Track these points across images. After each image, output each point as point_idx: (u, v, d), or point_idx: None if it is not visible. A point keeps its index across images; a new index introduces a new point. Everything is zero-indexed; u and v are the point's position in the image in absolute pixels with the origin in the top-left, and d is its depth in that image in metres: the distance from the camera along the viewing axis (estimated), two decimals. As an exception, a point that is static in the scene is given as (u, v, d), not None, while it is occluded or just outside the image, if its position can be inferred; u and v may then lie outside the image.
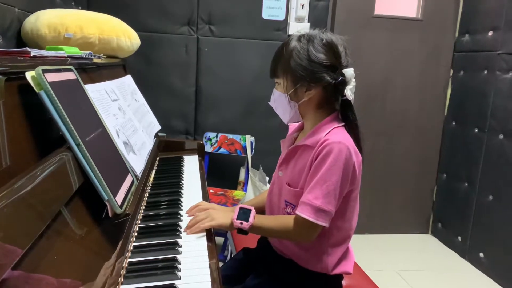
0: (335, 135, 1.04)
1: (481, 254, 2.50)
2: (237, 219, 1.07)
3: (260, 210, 1.31)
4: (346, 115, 1.10)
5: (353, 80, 1.07)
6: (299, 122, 1.23)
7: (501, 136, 2.36)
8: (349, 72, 1.06)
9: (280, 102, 1.14)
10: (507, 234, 2.30)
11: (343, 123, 1.09)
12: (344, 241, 1.14)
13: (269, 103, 1.20)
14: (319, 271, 1.12)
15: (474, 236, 2.57)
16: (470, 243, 2.60)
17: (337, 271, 1.13)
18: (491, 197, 2.42)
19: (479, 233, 2.54)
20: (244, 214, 1.08)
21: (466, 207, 2.63)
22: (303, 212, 1.03)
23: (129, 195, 1.03)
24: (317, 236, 1.08)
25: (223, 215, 1.10)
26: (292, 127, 1.25)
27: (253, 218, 1.07)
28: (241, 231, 1.08)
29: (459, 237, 2.70)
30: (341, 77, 1.06)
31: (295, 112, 1.13)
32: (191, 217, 1.11)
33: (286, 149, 1.18)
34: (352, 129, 1.08)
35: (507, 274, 2.30)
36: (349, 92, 1.07)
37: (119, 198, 0.93)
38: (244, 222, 1.06)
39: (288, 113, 1.14)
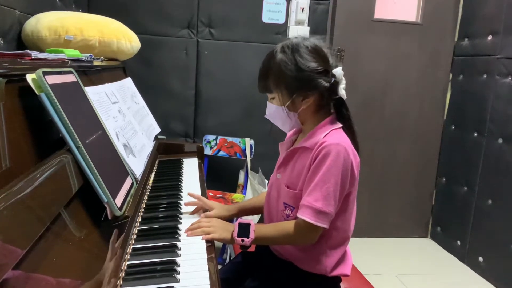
0: (333, 137, 1.05)
1: (480, 258, 2.49)
2: (237, 236, 1.07)
3: (258, 211, 1.32)
4: (341, 113, 1.11)
5: (343, 78, 1.09)
6: None
7: (500, 140, 2.37)
8: (338, 71, 1.07)
9: (278, 115, 1.14)
10: (506, 238, 2.30)
11: (341, 125, 1.10)
12: (343, 243, 1.14)
13: (265, 116, 1.19)
14: (318, 273, 1.12)
15: (473, 240, 2.57)
16: (469, 247, 2.60)
17: (335, 273, 1.13)
18: (490, 201, 2.42)
19: (478, 237, 2.54)
20: (243, 230, 1.08)
21: (465, 211, 2.63)
22: (304, 215, 1.03)
23: (128, 198, 1.03)
24: (317, 238, 1.08)
25: (225, 228, 1.10)
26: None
27: (253, 232, 1.07)
28: (243, 246, 1.08)
29: (458, 241, 2.69)
30: (333, 79, 1.07)
31: (295, 121, 1.14)
32: (191, 220, 1.12)
33: (285, 152, 1.18)
34: (349, 128, 1.09)
35: (506, 278, 2.30)
36: (343, 92, 1.08)
37: (119, 200, 0.93)
38: (245, 239, 1.06)
39: (288, 124, 1.15)
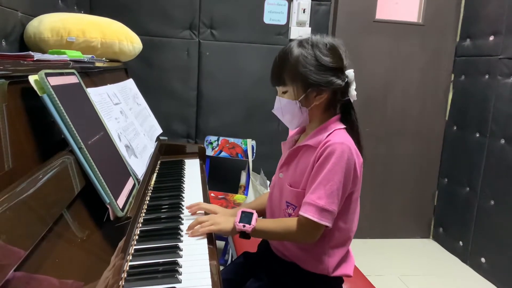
0: (337, 136, 1.06)
1: (483, 259, 2.49)
2: (239, 222, 1.07)
3: (261, 213, 1.32)
4: (349, 114, 1.12)
5: (354, 80, 1.10)
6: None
7: (502, 141, 2.36)
8: (351, 73, 1.10)
9: (289, 109, 1.13)
10: (508, 239, 2.29)
11: (345, 126, 1.10)
12: (345, 243, 1.14)
13: (273, 111, 1.19)
14: (320, 273, 1.12)
15: (476, 241, 2.56)
16: (472, 248, 2.59)
17: (337, 273, 1.13)
18: (492, 202, 2.42)
19: (480, 238, 2.53)
20: (246, 217, 1.09)
21: (467, 211, 2.62)
22: (307, 212, 1.03)
23: (130, 198, 1.03)
24: (319, 237, 1.08)
25: (225, 220, 1.10)
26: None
27: (255, 221, 1.08)
28: (244, 235, 1.08)
29: (461, 242, 2.69)
30: (346, 79, 1.08)
31: (304, 118, 1.14)
32: (192, 220, 1.12)
33: (287, 151, 1.19)
34: (354, 130, 1.10)
35: (508, 279, 2.29)
36: (354, 92, 1.10)
37: (121, 201, 0.93)
38: (247, 225, 1.07)
39: (297, 119, 1.14)
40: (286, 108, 1.14)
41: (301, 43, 1.09)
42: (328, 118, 1.12)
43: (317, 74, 1.06)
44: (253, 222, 1.07)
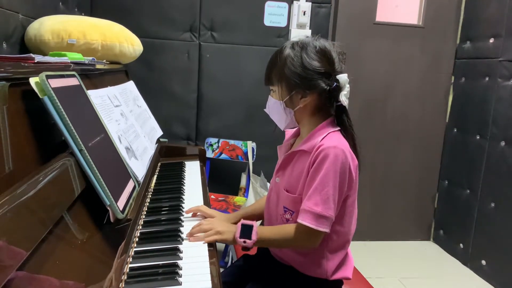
0: (331, 140, 1.05)
1: (483, 262, 2.48)
2: (240, 237, 1.07)
3: (260, 216, 1.31)
4: (341, 120, 1.10)
5: (347, 85, 1.08)
6: (296, 128, 1.23)
7: (502, 143, 2.36)
8: (343, 78, 1.07)
9: (275, 109, 1.15)
10: (509, 241, 2.29)
11: (339, 128, 1.10)
12: (343, 246, 1.14)
13: (264, 110, 1.21)
14: (319, 277, 1.12)
15: (476, 243, 2.56)
16: (472, 250, 2.59)
17: (336, 276, 1.12)
18: (492, 204, 2.42)
19: (481, 240, 2.53)
20: (246, 231, 1.07)
21: (467, 214, 2.62)
22: (305, 220, 1.03)
23: (130, 201, 1.03)
24: (319, 243, 1.08)
25: (226, 230, 1.09)
26: (289, 133, 1.26)
27: (256, 234, 1.07)
28: (246, 247, 1.08)
29: (461, 244, 2.69)
30: (335, 83, 1.06)
31: (291, 119, 1.14)
32: (192, 223, 1.12)
33: (283, 155, 1.18)
34: (348, 133, 1.09)
35: (509, 282, 2.29)
36: (343, 98, 1.08)
37: (121, 203, 0.93)
38: (247, 240, 1.06)
39: (284, 120, 1.15)
40: (273, 108, 1.16)
41: (292, 45, 1.10)
42: (319, 121, 1.11)
43: (300, 76, 1.06)
44: (253, 236, 1.06)
